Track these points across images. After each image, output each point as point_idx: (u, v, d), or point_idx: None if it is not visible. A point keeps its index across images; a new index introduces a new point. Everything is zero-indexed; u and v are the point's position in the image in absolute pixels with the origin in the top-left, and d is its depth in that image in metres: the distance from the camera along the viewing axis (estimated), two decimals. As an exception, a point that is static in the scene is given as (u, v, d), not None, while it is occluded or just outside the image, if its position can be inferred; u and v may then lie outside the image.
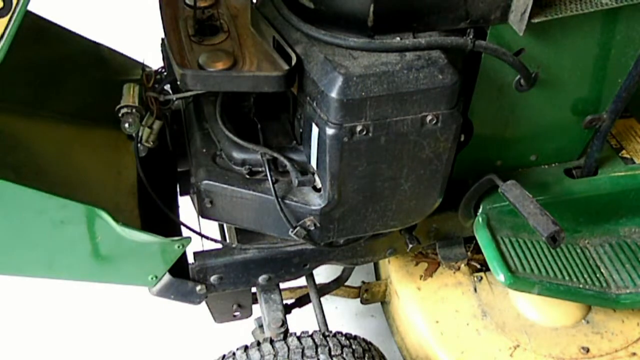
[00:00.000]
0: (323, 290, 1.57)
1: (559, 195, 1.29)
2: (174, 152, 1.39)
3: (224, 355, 1.25)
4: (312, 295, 1.47)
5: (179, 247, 1.18)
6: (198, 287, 1.28)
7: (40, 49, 1.27)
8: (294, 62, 0.98)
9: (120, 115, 1.11)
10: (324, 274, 1.83)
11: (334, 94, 0.94)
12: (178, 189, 1.50)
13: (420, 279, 1.52)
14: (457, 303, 1.46)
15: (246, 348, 1.22)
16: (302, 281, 1.49)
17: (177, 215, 1.36)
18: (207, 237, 1.33)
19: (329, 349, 1.20)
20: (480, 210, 1.28)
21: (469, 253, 1.50)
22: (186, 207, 1.39)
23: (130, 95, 1.14)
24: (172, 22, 1.11)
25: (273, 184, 1.10)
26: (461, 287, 1.49)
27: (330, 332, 1.26)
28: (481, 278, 1.50)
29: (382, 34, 0.99)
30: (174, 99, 1.20)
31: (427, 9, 0.99)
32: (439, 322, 1.43)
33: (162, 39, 1.26)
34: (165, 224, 1.27)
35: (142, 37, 1.98)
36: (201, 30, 1.09)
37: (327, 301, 1.77)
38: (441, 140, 1.05)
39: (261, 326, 1.50)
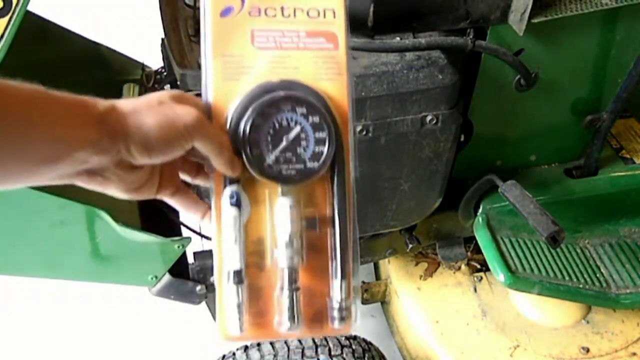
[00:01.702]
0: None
1: (559, 195, 1.29)
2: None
3: (224, 355, 1.25)
4: (312, 295, 1.47)
5: (179, 247, 1.18)
6: (198, 287, 1.28)
7: (40, 49, 1.27)
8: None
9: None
10: (324, 274, 1.83)
11: (333, 94, 0.94)
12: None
13: (420, 279, 1.52)
14: (457, 303, 1.46)
15: (246, 348, 1.22)
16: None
17: (177, 215, 1.36)
18: (207, 237, 1.33)
19: (329, 349, 1.20)
20: (480, 210, 1.27)
21: (469, 253, 1.50)
22: (186, 207, 1.39)
23: (130, 96, 1.14)
24: (172, 22, 1.11)
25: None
26: (461, 287, 1.49)
27: (330, 332, 1.26)
28: (481, 278, 1.50)
29: (382, 34, 0.99)
30: (174, 99, 1.20)
31: (427, 9, 0.99)
32: (439, 322, 1.43)
33: (162, 39, 1.26)
34: (165, 224, 1.27)
35: (142, 37, 1.98)
36: (201, 30, 1.09)
37: (327, 301, 1.76)
38: (441, 140, 1.05)
39: (261, 326, 1.50)
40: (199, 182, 0.63)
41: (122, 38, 1.83)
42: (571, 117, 1.23)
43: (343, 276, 0.61)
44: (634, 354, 1.37)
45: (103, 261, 1.17)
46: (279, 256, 0.60)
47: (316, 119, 0.59)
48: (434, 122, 1.01)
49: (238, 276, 0.59)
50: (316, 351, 1.20)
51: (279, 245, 0.61)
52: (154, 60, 1.43)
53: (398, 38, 0.99)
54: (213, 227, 0.61)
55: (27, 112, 0.47)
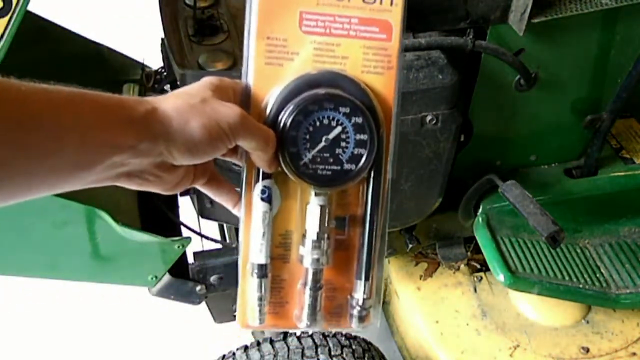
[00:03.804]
0: (323, 290, 1.57)
1: (559, 195, 1.29)
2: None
3: (224, 355, 1.25)
4: (312, 295, 1.47)
5: (179, 247, 1.18)
6: (198, 287, 1.28)
7: (40, 49, 1.27)
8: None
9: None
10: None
11: (334, 94, 0.94)
12: (178, 189, 1.50)
13: (420, 279, 1.52)
14: (457, 303, 1.46)
15: (246, 348, 1.22)
16: (302, 281, 1.48)
17: (177, 215, 1.36)
18: (207, 237, 1.33)
19: (329, 349, 1.20)
20: (480, 210, 1.27)
21: (469, 253, 1.50)
22: (186, 207, 1.39)
23: (130, 95, 1.14)
24: (172, 22, 1.11)
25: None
26: (461, 287, 1.49)
27: (330, 332, 1.26)
28: (481, 278, 1.50)
29: (382, 34, 0.99)
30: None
31: (427, 9, 0.99)
32: (439, 322, 1.43)
33: (162, 39, 1.26)
34: (165, 224, 1.27)
35: (142, 37, 1.98)
36: (201, 30, 1.09)
37: (327, 301, 1.77)
38: (441, 140, 1.05)
39: (261, 326, 1.50)
40: (234, 160, 0.61)
41: (122, 38, 1.83)
42: (571, 117, 1.23)
43: (367, 278, 0.61)
44: (634, 354, 1.37)
45: (103, 261, 1.17)
46: (305, 255, 0.60)
47: (359, 119, 0.56)
48: (434, 122, 1.01)
49: (262, 270, 0.59)
50: (316, 351, 1.20)
51: (306, 245, 0.60)
52: (154, 60, 1.43)
53: (398, 38, 0.99)
54: (241, 216, 0.60)
55: (57, 118, 0.45)
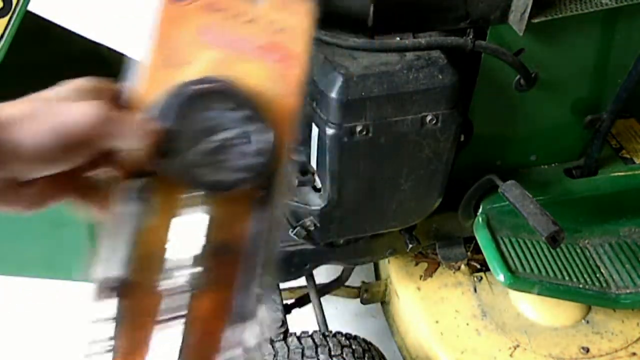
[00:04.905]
0: (323, 290, 1.57)
1: (559, 195, 1.29)
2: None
3: (224, 355, 1.25)
4: (312, 296, 1.47)
5: (178, 247, 1.18)
6: (198, 287, 1.28)
7: (40, 49, 1.27)
8: (293, 62, 0.98)
9: (120, 115, 1.11)
10: (324, 274, 1.84)
11: (333, 94, 0.94)
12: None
13: (420, 279, 1.52)
14: (457, 303, 1.46)
15: (246, 348, 1.22)
16: (302, 281, 1.49)
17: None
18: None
19: (329, 349, 1.20)
20: (480, 210, 1.27)
21: (469, 253, 1.50)
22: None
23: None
24: (171, 22, 1.11)
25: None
26: (461, 287, 1.49)
27: (330, 332, 1.26)
28: (481, 278, 1.50)
29: (382, 34, 0.99)
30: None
31: (427, 9, 0.99)
32: (439, 322, 1.43)
33: (162, 39, 1.26)
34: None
35: (142, 37, 1.97)
36: (201, 30, 1.09)
37: (327, 301, 1.77)
38: (441, 140, 1.05)
39: (261, 326, 1.50)
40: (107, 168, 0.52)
41: (122, 38, 1.83)
42: (571, 117, 1.23)
43: (242, 319, 0.51)
44: (634, 354, 1.37)
45: (103, 261, 1.17)
46: (173, 278, 0.51)
47: (251, 126, 0.50)
48: (434, 122, 1.01)
49: (119, 288, 0.49)
50: (316, 351, 1.20)
51: (175, 268, 0.51)
52: (154, 61, 1.42)
53: (398, 38, 0.99)
54: (107, 224, 0.51)
55: None
